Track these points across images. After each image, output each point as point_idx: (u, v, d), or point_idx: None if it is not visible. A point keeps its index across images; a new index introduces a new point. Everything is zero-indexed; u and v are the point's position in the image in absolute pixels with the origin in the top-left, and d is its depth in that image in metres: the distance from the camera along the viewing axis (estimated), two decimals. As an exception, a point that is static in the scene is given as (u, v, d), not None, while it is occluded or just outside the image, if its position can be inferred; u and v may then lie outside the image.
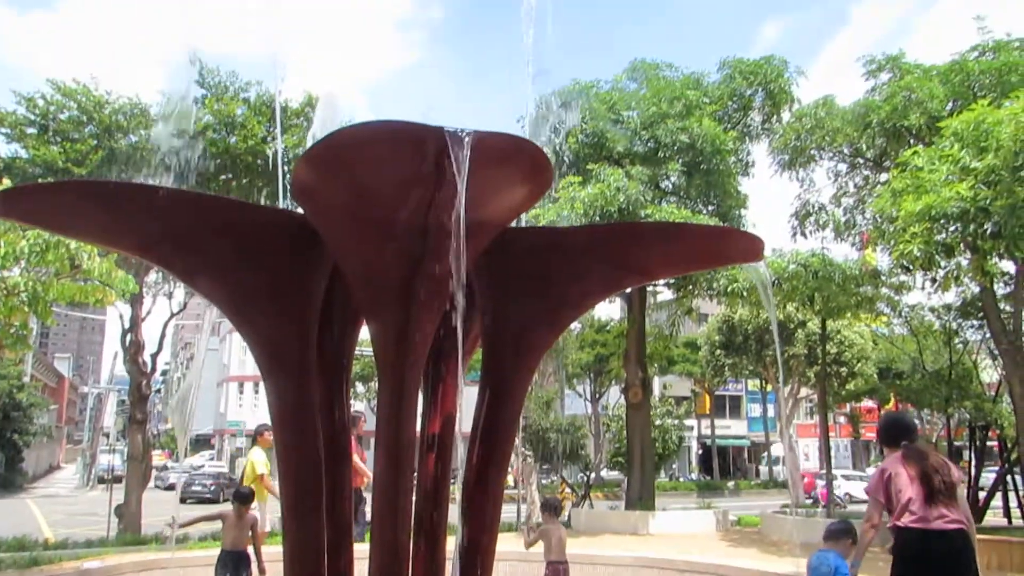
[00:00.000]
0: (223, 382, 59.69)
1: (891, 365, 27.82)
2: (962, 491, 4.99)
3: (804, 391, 36.08)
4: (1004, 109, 10.39)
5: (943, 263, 11.97)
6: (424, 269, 4.29)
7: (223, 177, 16.59)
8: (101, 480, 35.56)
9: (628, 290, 17.47)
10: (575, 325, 38.60)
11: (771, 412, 50.30)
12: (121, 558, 9.15)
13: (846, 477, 35.43)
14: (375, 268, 4.50)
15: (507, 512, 9.37)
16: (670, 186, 17.57)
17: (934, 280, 13.32)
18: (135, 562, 8.87)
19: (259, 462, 9.73)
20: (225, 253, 4.78)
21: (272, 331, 4.85)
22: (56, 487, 44.30)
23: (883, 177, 16.07)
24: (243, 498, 7.45)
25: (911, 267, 12.39)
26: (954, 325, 18.65)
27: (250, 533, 7.32)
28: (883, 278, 16.31)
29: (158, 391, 66.45)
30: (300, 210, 4.67)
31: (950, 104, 14.36)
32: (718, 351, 32.43)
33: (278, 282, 4.80)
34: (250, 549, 7.35)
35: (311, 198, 4.39)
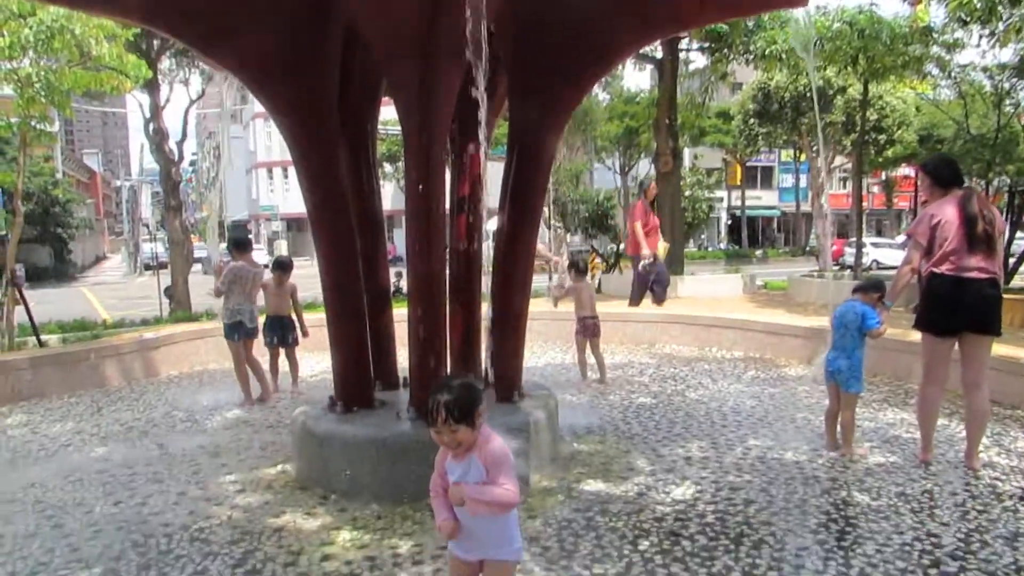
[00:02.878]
0: (252, 169, 60.09)
1: (933, 131, 26.92)
2: (1001, 244, 4.85)
3: (839, 160, 35.34)
4: None
5: (1005, 14, 11.13)
6: (443, 17, 4.01)
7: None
8: (147, 267, 36.86)
9: (659, 56, 16.66)
10: (603, 96, 37.44)
11: (803, 182, 49.77)
12: (175, 329, 9.62)
13: (875, 244, 35.61)
14: (392, 19, 4.22)
15: (539, 281, 9.55)
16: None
17: (992, 34, 12.45)
18: (188, 331, 9.34)
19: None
20: (234, 16, 4.50)
21: (291, 94, 4.66)
22: (106, 275, 46.00)
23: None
24: (283, 266, 7.62)
25: (968, 20, 11.55)
26: (1007, 85, 17.66)
27: (291, 300, 7.57)
28: (935, 35, 15.29)
29: (188, 180, 67.11)
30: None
31: None
32: (752, 120, 31.40)
33: (292, 43, 4.54)
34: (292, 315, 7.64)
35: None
